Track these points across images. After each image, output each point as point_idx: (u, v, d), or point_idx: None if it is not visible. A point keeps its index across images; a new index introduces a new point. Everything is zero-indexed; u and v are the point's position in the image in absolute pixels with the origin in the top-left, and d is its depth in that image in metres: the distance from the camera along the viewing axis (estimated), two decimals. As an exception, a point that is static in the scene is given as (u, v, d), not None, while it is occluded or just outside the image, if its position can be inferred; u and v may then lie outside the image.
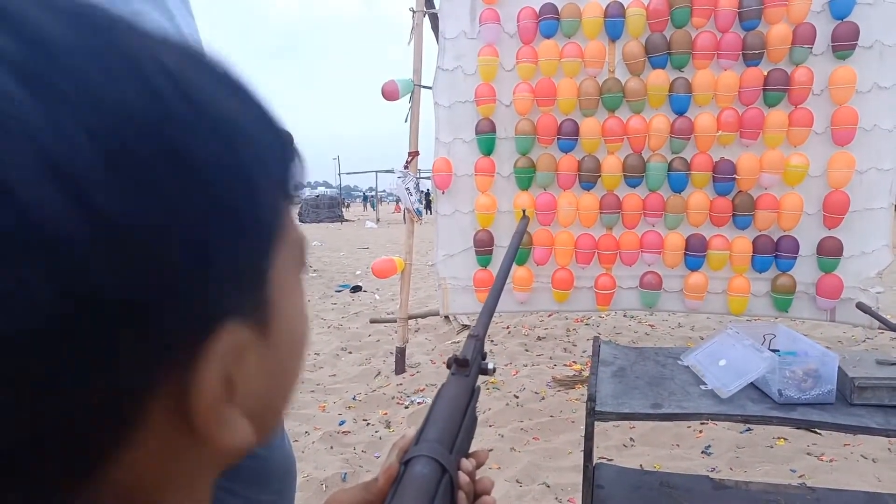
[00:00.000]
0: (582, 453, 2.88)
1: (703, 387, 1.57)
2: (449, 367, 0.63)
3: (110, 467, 0.27)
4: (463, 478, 0.54)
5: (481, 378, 0.66)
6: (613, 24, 3.62)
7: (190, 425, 0.28)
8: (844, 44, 3.38)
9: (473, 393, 0.61)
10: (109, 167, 0.23)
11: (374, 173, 28.85)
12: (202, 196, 0.26)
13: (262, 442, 0.35)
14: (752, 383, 1.53)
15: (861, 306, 2.25)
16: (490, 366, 0.67)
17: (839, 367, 1.47)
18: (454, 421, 0.55)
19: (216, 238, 0.27)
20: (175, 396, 0.27)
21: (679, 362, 1.76)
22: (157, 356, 0.26)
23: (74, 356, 0.23)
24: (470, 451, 0.59)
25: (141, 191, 0.24)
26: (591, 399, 1.46)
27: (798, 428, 2.63)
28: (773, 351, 1.59)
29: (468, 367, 0.63)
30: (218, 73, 0.31)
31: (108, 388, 0.25)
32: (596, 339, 1.95)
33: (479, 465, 0.59)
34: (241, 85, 0.32)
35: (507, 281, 3.95)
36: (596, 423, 1.49)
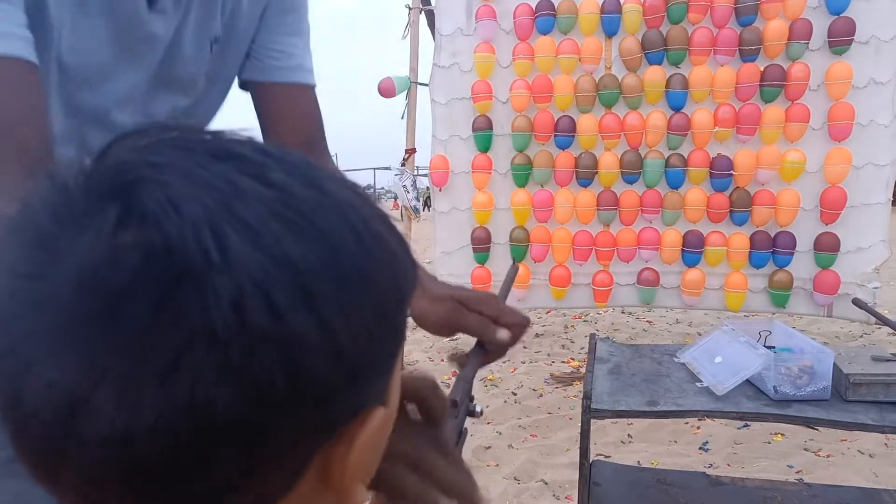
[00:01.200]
0: (579, 449, 2.89)
1: (698, 384, 1.57)
2: None
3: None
4: None
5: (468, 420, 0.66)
6: (610, 21, 3.61)
7: (328, 486, 0.34)
8: (841, 39, 3.38)
9: (461, 435, 0.61)
10: (335, 291, 0.29)
11: (372, 170, 28.79)
12: (379, 314, 0.32)
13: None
14: (747, 380, 1.53)
15: (857, 302, 2.25)
16: (478, 409, 0.67)
17: (834, 364, 1.47)
18: None
19: (380, 346, 0.33)
20: (325, 460, 0.33)
21: (675, 359, 1.77)
22: (331, 428, 0.32)
23: (303, 415, 0.30)
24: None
25: (350, 311, 0.30)
26: (587, 397, 1.46)
27: (794, 424, 2.63)
28: (769, 348, 1.59)
29: (457, 408, 0.63)
30: (378, 211, 0.36)
31: (308, 442, 0.31)
32: (592, 336, 1.95)
33: None
34: (386, 216, 0.37)
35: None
36: (592, 420, 1.49)
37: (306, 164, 0.33)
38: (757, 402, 1.46)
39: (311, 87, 1.03)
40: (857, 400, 1.44)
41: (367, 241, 0.32)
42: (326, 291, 0.29)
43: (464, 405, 0.64)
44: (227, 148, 0.30)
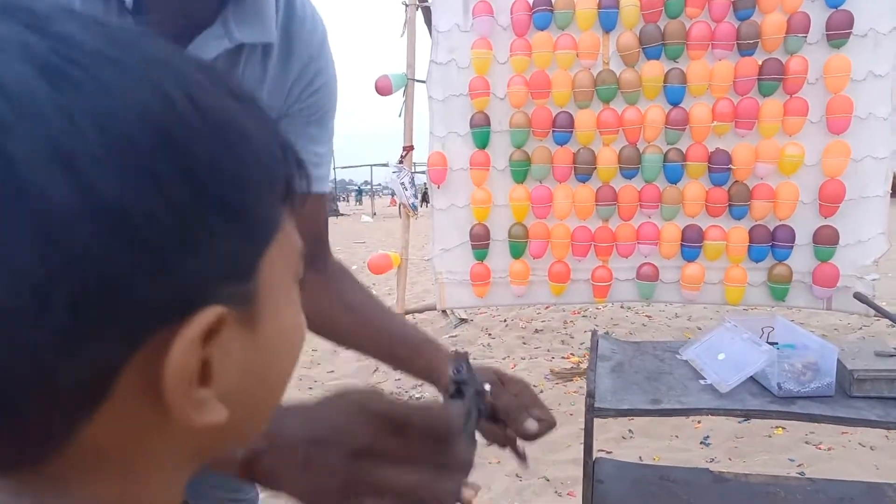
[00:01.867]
0: (580, 446, 2.88)
1: (702, 381, 1.56)
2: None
3: (84, 429, 0.28)
4: None
5: None
6: (607, 16, 3.61)
7: (162, 400, 0.29)
8: (839, 32, 3.38)
9: (469, 416, 0.61)
10: (108, 151, 0.25)
11: (369, 167, 28.79)
12: (194, 189, 0.28)
13: (241, 441, 0.38)
14: (751, 377, 1.53)
15: (858, 296, 2.25)
16: (487, 387, 0.68)
17: (838, 360, 1.46)
18: None
19: (201, 227, 0.28)
20: (148, 369, 0.28)
21: (678, 356, 1.76)
22: (130, 330, 0.27)
23: (49, 323, 0.25)
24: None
25: (134, 175, 0.26)
26: (590, 395, 1.46)
27: (799, 421, 2.63)
28: (772, 344, 1.58)
29: (464, 385, 0.63)
30: (228, 85, 0.32)
31: (81, 354, 0.26)
32: (594, 333, 1.94)
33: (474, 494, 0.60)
34: (248, 97, 0.33)
35: (504, 274, 3.91)
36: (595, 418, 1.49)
37: (132, 31, 0.29)
38: (761, 399, 1.45)
39: (324, 195, 1.03)
40: (861, 396, 1.44)
41: (182, 108, 0.28)
42: (92, 152, 0.25)
43: (472, 386, 0.65)
44: (19, 3, 0.27)
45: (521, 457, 0.79)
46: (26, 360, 0.25)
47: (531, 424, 0.75)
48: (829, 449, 2.82)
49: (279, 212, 0.34)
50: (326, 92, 0.94)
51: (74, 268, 0.25)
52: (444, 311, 5.42)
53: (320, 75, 0.91)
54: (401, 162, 4.11)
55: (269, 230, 0.33)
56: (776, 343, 1.61)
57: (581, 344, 4.55)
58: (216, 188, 0.29)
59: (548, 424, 0.80)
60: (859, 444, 2.84)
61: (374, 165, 27.83)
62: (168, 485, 0.34)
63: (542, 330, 5.04)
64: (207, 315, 0.29)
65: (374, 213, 25.48)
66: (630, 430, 3.09)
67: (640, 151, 3.66)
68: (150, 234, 0.26)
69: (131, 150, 0.26)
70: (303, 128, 0.93)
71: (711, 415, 1.46)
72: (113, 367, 0.27)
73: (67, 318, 0.25)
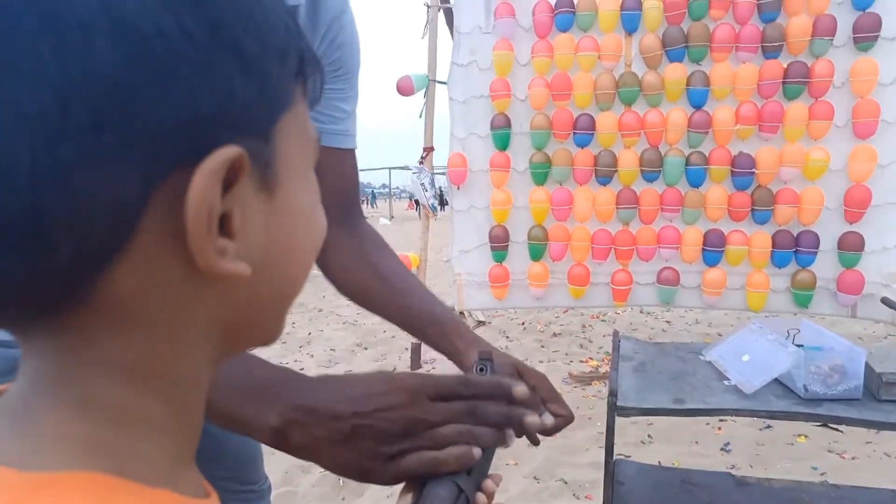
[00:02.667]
0: (599, 449, 2.86)
1: (726, 382, 1.55)
2: None
3: (109, 275, 0.28)
4: (481, 498, 0.57)
5: None
6: (630, 18, 3.58)
7: (185, 246, 0.29)
8: (866, 35, 3.32)
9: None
10: None
11: (388, 170, 28.86)
12: (210, 24, 0.28)
13: (263, 332, 0.38)
14: (776, 379, 1.51)
15: (886, 300, 2.21)
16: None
17: (866, 362, 1.44)
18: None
19: (217, 63, 0.29)
20: (170, 210, 0.28)
21: (701, 357, 1.74)
22: (150, 157, 0.27)
23: (72, 132, 0.25)
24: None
25: (161, 9, 0.27)
26: (613, 394, 1.44)
27: (819, 425, 2.59)
28: (798, 346, 1.56)
29: (490, 360, 0.64)
30: None
31: (104, 177, 0.26)
32: (616, 333, 1.93)
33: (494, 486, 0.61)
34: None
35: (523, 277, 3.90)
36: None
37: None
38: (787, 401, 1.43)
39: (352, 151, 1.03)
40: (889, 399, 1.41)
41: None
42: None
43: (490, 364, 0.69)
44: None
45: (535, 441, 0.78)
46: (51, 175, 0.25)
47: (547, 418, 0.74)
48: (853, 458, 2.77)
49: (292, 87, 0.34)
50: (350, 48, 0.96)
51: (93, 79, 0.25)
52: (461, 313, 5.41)
53: (343, 31, 0.93)
54: (421, 163, 4.11)
55: (283, 99, 0.33)
56: (801, 345, 1.59)
57: (599, 348, 4.53)
58: (232, 30, 0.29)
59: (565, 419, 0.79)
60: (885, 453, 2.79)
61: (394, 168, 27.90)
62: (196, 354, 0.34)
63: (560, 333, 5.02)
64: (226, 152, 0.29)
65: (392, 217, 25.53)
66: (649, 435, 3.06)
67: (662, 154, 3.63)
68: (167, 58, 0.27)
69: None
70: (329, 83, 0.94)
71: (736, 416, 1.43)
72: (136, 197, 0.27)
73: (89, 129, 0.25)
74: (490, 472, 0.60)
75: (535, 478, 2.71)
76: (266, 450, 0.78)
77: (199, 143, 0.28)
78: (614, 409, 1.40)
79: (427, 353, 4.44)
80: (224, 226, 0.30)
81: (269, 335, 0.39)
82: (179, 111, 0.27)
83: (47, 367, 0.30)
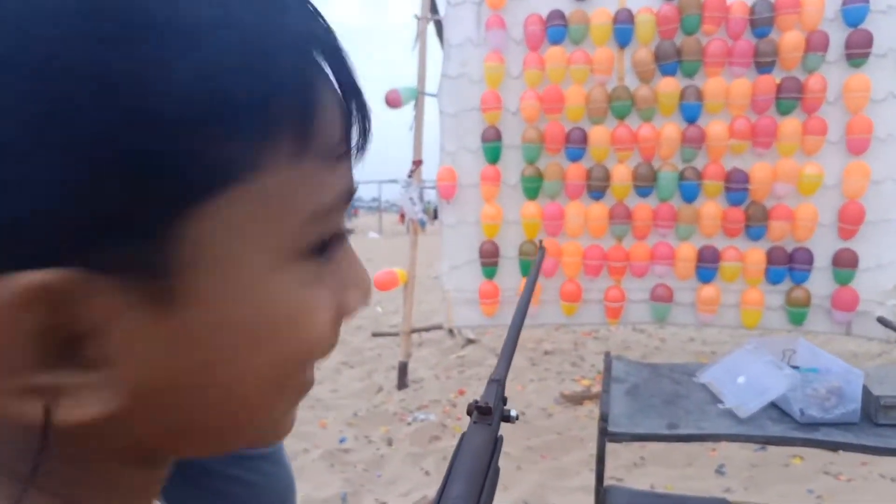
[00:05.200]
0: (590, 472, 2.78)
1: (720, 405, 1.48)
2: (469, 414, 0.56)
3: None
4: None
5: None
6: (622, 31, 3.55)
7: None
8: (858, 51, 3.31)
9: (497, 443, 0.54)
10: None
11: (378, 183, 28.83)
12: (52, 107, 0.21)
13: (188, 451, 0.30)
14: (772, 402, 1.44)
15: (882, 320, 2.17)
16: (513, 413, 0.60)
17: (864, 385, 1.38)
18: (478, 476, 0.50)
19: (39, 155, 0.21)
20: None
21: (694, 380, 1.68)
22: None
23: None
24: None
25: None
26: (604, 419, 1.37)
27: (823, 449, 2.52)
28: (794, 367, 1.50)
29: (491, 415, 0.56)
30: None
31: None
32: (607, 354, 1.86)
33: None
34: None
35: (514, 293, 3.83)
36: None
37: None
38: (783, 426, 1.37)
39: None
40: (888, 423, 1.35)
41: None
42: None
43: (498, 410, 0.58)
44: None
45: None
46: None
47: None
48: (849, 480, 2.70)
49: (242, 156, 0.24)
50: None
51: None
52: (450, 331, 5.33)
53: None
54: (410, 176, 4.06)
55: (202, 180, 0.24)
56: (798, 366, 1.53)
57: (592, 366, 4.45)
58: (68, 102, 0.21)
59: None
60: (880, 475, 2.72)
61: (383, 182, 27.87)
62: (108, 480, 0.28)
63: (552, 352, 4.94)
64: (34, 277, 0.21)
65: (382, 231, 25.48)
66: (642, 457, 2.98)
67: (656, 169, 3.59)
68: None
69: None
70: None
71: (731, 441, 1.37)
72: None
73: None
74: None
75: (524, 503, 2.63)
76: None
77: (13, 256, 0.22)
78: (605, 435, 1.34)
79: (414, 372, 4.36)
80: (82, 349, 0.23)
81: (257, 439, 0.31)
82: None
83: None
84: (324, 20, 0.27)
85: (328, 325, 0.30)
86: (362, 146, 0.29)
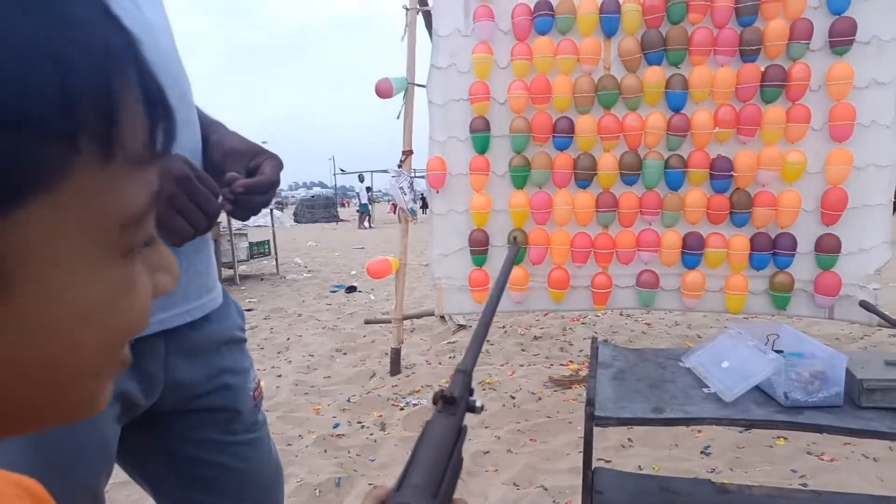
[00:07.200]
0: (579, 454, 2.84)
1: (705, 390, 1.53)
2: (435, 403, 0.59)
3: None
4: None
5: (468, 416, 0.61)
6: (609, 21, 3.58)
7: None
8: (842, 39, 3.35)
9: (460, 433, 0.57)
10: None
11: (370, 173, 28.77)
12: None
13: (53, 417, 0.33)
14: (756, 386, 1.49)
15: (864, 304, 2.22)
16: (478, 403, 0.62)
17: (847, 369, 1.43)
18: (440, 464, 0.52)
19: None
20: None
21: (680, 364, 1.72)
22: None
23: None
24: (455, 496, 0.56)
25: None
26: (591, 403, 1.42)
27: (806, 432, 2.58)
28: (778, 352, 1.54)
29: (455, 404, 0.58)
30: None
31: None
32: (594, 339, 1.90)
33: None
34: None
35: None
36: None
37: None
38: (767, 409, 1.41)
39: None
40: (871, 406, 1.40)
41: None
42: None
43: (463, 400, 0.60)
44: None
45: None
46: None
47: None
48: (832, 460, 2.78)
49: (55, 159, 0.27)
50: None
51: None
52: (442, 317, 5.38)
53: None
54: (400, 166, 4.08)
55: (23, 177, 0.26)
56: (781, 351, 1.58)
57: (580, 351, 4.51)
58: None
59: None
60: (863, 455, 2.80)
61: (374, 172, 27.79)
62: None
63: (540, 337, 5.00)
64: None
65: (373, 221, 25.44)
66: (629, 439, 3.05)
67: (641, 157, 3.63)
68: None
69: None
70: None
71: (716, 424, 1.42)
72: None
73: None
74: (456, 495, 0.57)
75: (514, 484, 2.68)
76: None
77: None
78: (592, 420, 1.38)
79: (406, 357, 4.40)
80: None
81: (72, 413, 0.34)
82: None
83: None
84: (128, 32, 0.30)
85: (144, 308, 0.34)
86: (167, 148, 0.32)
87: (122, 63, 0.29)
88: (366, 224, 21.36)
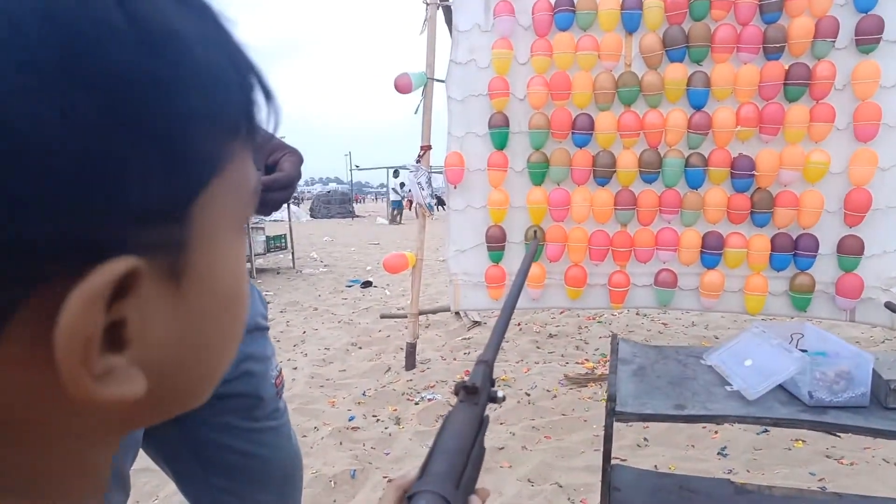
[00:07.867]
0: (595, 452, 2.83)
1: (728, 388, 1.51)
2: (456, 393, 0.58)
3: None
4: None
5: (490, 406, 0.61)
6: (630, 17, 3.55)
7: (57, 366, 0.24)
8: (868, 37, 3.30)
9: (482, 423, 0.56)
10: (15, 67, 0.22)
11: (386, 169, 28.79)
12: (106, 107, 0.23)
13: (168, 414, 0.33)
14: (779, 385, 1.47)
15: (890, 305, 2.18)
16: (500, 394, 0.62)
17: (873, 369, 1.40)
18: (461, 454, 0.51)
19: (112, 155, 0.24)
20: (40, 323, 0.24)
21: (702, 362, 1.70)
22: (19, 268, 0.23)
23: None
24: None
25: (26, 82, 0.22)
26: (611, 399, 1.40)
27: (831, 432, 2.56)
28: (802, 351, 1.52)
29: (477, 394, 0.58)
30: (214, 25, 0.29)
31: None
32: (614, 336, 1.89)
33: (482, 502, 0.55)
34: (201, 5, 0.29)
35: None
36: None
37: None
38: (791, 408, 1.39)
39: None
40: (896, 407, 1.37)
41: (100, 4, 0.24)
42: None
43: (485, 391, 0.60)
44: None
45: None
46: None
47: None
48: (851, 464, 2.74)
49: (225, 149, 0.29)
50: None
51: None
52: (457, 314, 5.37)
53: None
54: (418, 161, 4.07)
55: (207, 169, 0.28)
56: (806, 350, 1.55)
57: (596, 350, 4.49)
58: (136, 109, 0.24)
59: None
60: (883, 459, 2.76)
61: (391, 168, 27.79)
62: (78, 456, 0.30)
63: (556, 335, 4.98)
64: (114, 268, 0.24)
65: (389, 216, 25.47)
66: (645, 439, 3.02)
67: (661, 155, 3.60)
68: (41, 158, 0.22)
69: (23, 49, 0.22)
70: None
71: (739, 423, 1.40)
72: (2, 306, 0.24)
73: None
74: (478, 486, 0.56)
75: (529, 481, 2.67)
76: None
77: (81, 253, 0.24)
78: (613, 415, 1.37)
79: (422, 353, 4.40)
80: (115, 335, 0.26)
81: (176, 412, 0.34)
82: (55, 220, 0.23)
83: None
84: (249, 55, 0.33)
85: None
86: (276, 129, 0.36)
87: (253, 73, 0.32)
88: (397, 219, 21.52)
